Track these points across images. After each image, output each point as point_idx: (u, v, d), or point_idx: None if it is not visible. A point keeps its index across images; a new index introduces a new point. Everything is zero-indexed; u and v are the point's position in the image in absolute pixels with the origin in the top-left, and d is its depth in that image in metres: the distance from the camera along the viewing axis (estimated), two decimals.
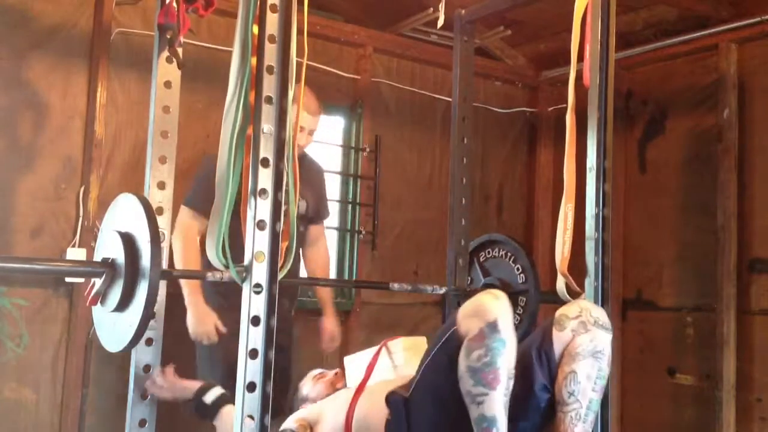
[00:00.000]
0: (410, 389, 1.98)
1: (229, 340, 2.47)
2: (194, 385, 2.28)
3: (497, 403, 1.77)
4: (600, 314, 1.96)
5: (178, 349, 3.34)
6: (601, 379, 1.91)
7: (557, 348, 1.93)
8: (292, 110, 2.88)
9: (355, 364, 2.36)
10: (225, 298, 2.86)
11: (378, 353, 2.33)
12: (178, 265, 2.85)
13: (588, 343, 1.90)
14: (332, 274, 3.70)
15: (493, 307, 1.81)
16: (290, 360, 3.13)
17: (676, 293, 3.98)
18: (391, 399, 2.01)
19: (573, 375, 1.88)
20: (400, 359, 2.32)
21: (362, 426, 2.08)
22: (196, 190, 2.90)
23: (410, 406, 1.96)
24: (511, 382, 1.82)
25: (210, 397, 2.25)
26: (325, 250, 3.32)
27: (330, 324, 3.21)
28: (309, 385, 2.41)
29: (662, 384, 3.94)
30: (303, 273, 3.26)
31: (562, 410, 1.89)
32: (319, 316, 3.23)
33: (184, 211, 2.90)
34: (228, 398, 2.26)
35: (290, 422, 2.21)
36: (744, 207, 3.71)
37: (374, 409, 2.07)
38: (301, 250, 3.19)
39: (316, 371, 2.49)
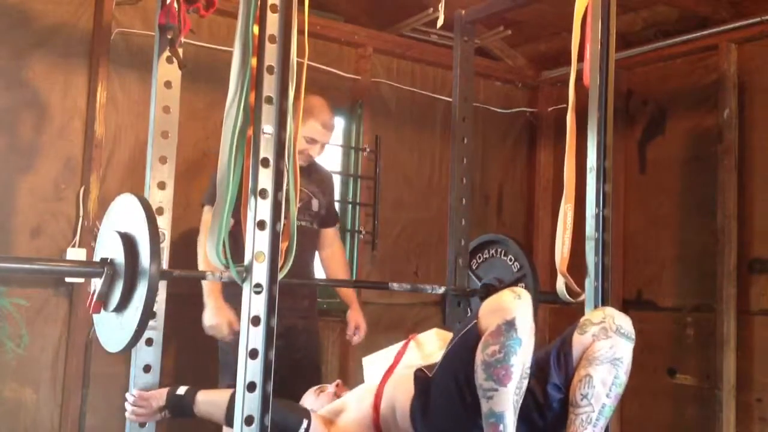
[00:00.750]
0: (433, 371, 2.05)
1: None
2: (162, 390, 2.27)
3: (506, 400, 1.79)
4: (624, 323, 1.96)
5: (179, 351, 3.35)
6: (617, 386, 1.91)
7: (576, 351, 1.94)
8: (305, 123, 2.96)
9: (374, 362, 2.37)
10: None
11: (406, 345, 2.37)
12: (200, 264, 2.89)
13: (607, 350, 1.91)
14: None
15: (514, 305, 1.83)
16: (316, 360, 3.21)
17: (676, 293, 3.98)
18: (418, 375, 2.09)
19: (588, 378, 1.89)
20: (433, 347, 2.35)
21: (390, 402, 2.13)
22: (212, 189, 2.93)
23: (432, 387, 2.02)
24: (525, 382, 1.84)
25: (181, 390, 2.24)
26: (341, 250, 3.42)
27: (355, 315, 3.29)
28: (311, 399, 2.42)
29: (662, 384, 3.94)
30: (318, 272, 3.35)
31: (573, 412, 1.89)
32: (323, 317, 3.26)
33: (205, 210, 2.98)
34: (197, 389, 2.26)
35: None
36: (744, 207, 3.71)
37: (402, 387, 2.12)
38: (317, 253, 3.32)
39: (315, 387, 2.50)
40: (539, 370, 1.93)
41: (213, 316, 2.87)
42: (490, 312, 1.87)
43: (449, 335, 2.40)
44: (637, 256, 4.15)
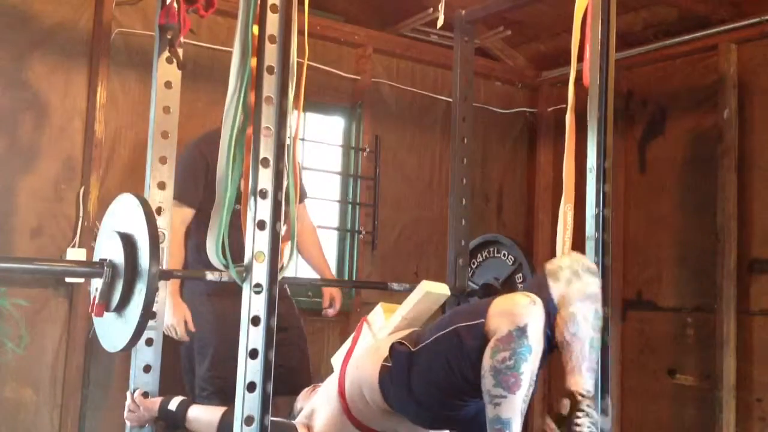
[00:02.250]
0: (417, 346, 2.01)
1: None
2: (157, 400, 2.27)
3: (515, 407, 1.78)
4: (591, 264, 2.05)
5: (179, 351, 3.34)
6: (598, 319, 1.95)
7: (555, 297, 1.94)
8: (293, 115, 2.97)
9: (339, 356, 2.38)
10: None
11: (360, 329, 2.36)
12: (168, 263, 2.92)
13: (583, 287, 1.94)
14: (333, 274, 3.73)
15: (527, 311, 1.81)
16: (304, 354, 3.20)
17: (676, 293, 3.97)
18: (396, 349, 2.05)
19: (572, 316, 1.90)
20: (380, 321, 2.33)
21: (354, 383, 2.12)
22: (175, 180, 2.90)
23: (414, 361, 1.99)
24: (532, 389, 1.82)
25: (173, 404, 2.26)
26: (311, 224, 3.39)
27: (329, 287, 3.29)
28: (303, 398, 2.42)
29: (662, 384, 3.94)
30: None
31: (567, 351, 1.90)
32: (318, 316, 3.26)
33: (174, 205, 2.95)
34: (189, 402, 2.29)
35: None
36: (744, 207, 3.71)
37: (364, 364, 2.12)
38: None
39: (309, 387, 2.50)
40: None
41: (169, 315, 2.89)
42: (502, 314, 1.84)
43: (395, 307, 2.39)
44: (637, 256, 4.14)
